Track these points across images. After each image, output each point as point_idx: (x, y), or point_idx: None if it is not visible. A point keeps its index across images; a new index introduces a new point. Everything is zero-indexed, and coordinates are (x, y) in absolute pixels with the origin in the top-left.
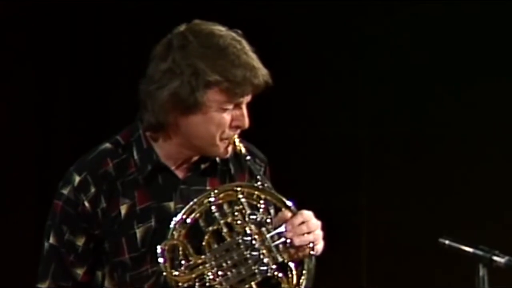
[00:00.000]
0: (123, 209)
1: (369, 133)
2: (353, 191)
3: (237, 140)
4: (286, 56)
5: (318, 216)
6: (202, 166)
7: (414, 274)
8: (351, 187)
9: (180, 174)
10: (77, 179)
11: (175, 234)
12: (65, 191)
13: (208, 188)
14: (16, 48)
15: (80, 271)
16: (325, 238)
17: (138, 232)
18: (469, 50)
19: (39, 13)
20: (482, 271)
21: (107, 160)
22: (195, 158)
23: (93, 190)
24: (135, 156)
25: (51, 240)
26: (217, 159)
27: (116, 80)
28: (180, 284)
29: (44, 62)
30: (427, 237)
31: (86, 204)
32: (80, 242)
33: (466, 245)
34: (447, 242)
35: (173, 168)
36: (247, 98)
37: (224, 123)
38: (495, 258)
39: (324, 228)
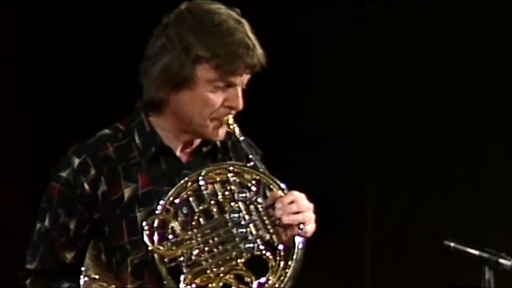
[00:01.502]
0: (127, 193)
1: (374, 132)
2: (357, 191)
3: (231, 120)
4: (289, 54)
5: (322, 215)
6: (204, 149)
7: (418, 275)
8: (356, 187)
9: (183, 158)
10: (76, 161)
11: (164, 211)
12: (63, 174)
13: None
14: (9, 40)
15: (69, 255)
16: (328, 235)
17: (139, 216)
18: (473, 49)
19: (33, 5)
20: (488, 274)
21: (106, 144)
22: (197, 141)
23: (93, 172)
24: (137, 140)
25: (46, 223)
26: (218, 144)
27: (112, 72)
28: (166, 259)
29: (38, 54)
30: (432, 237)
31: (86, 186)
32: (73, 225)
33: (472, 248)
34: (452, 244)
35: (176, 152)
36: (242, 79)
37: (213, 103)
38: (501, 260)
39: (328, 227)
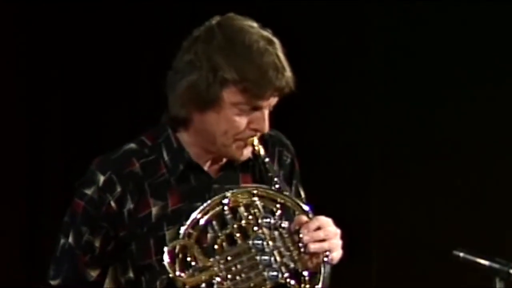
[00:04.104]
0: (155, 210)
1: (380, 140)
2: (363, 200)
3: (256, 141)
4: (295, 61)
5: None
6: (235, 163)
7: (427, 286)
8: (361, 194)
9: (212, 173)
10: (101, 178)
11: (186, 235)
12: (88, 191)
13: (241, 185)
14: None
15: (93, 273)
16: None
17: (168, 234)
18: (483, 55)
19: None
20: (499, 285)
21: (132, 160)
22: None
23: (119, 189)
24: (165, 157)
25: (70, 239)
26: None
27: (109, 77)
28: (187, 287)
29: (36, 59)
30: (440, 247)
31: (113, 204)
32: (98, 243)
33: (482, 258)
34: (461, 254)
35: (205, 168)
36: (270, 102)
37: (238, 125)
38: None
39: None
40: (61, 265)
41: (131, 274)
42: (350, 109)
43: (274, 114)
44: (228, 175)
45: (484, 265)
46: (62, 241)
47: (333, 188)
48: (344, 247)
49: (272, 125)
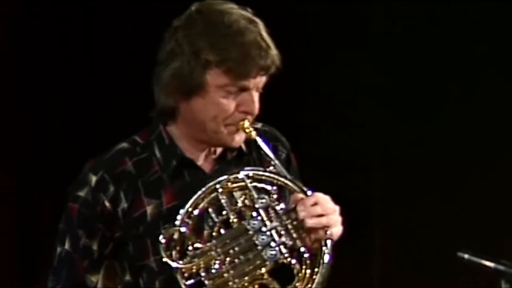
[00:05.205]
0: (150, 209)
1: (381, 140)
2: (365, 200)
3: (247, 124)
4: (297, 51)
5: None
6: (229, 156)
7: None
8: (363, 196)
9: (206, 168)
10: (93, 179)
11: (182, 224)
12: (81, 193)
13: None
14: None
15: (94, 279)
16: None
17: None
18: (483, 51)
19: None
20: (504, 287)
21: (124, 159)
22: (220, 149)
23: (112, 189)
24: (157, 154)
25: (66, 246)
26: (243, 147)
27: (108, 77)
28: (185, 274)
29: (34, 59)
30: (445, 248)
31: (107, 203)
32: (96, 246)
33: (487, 260)
34: (466, 256)
35: (198, 162)
36: (256, 82)
37: (227, 108)
38: None
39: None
40: (59, 273)
41: (128, 277)
42: (354, 98)
43: (276, 104)
44: (223, 170)
45: (489, 267)
46: (58, 249)
47: (334, 180)
48: (345, 239)
49: (273, 119)
